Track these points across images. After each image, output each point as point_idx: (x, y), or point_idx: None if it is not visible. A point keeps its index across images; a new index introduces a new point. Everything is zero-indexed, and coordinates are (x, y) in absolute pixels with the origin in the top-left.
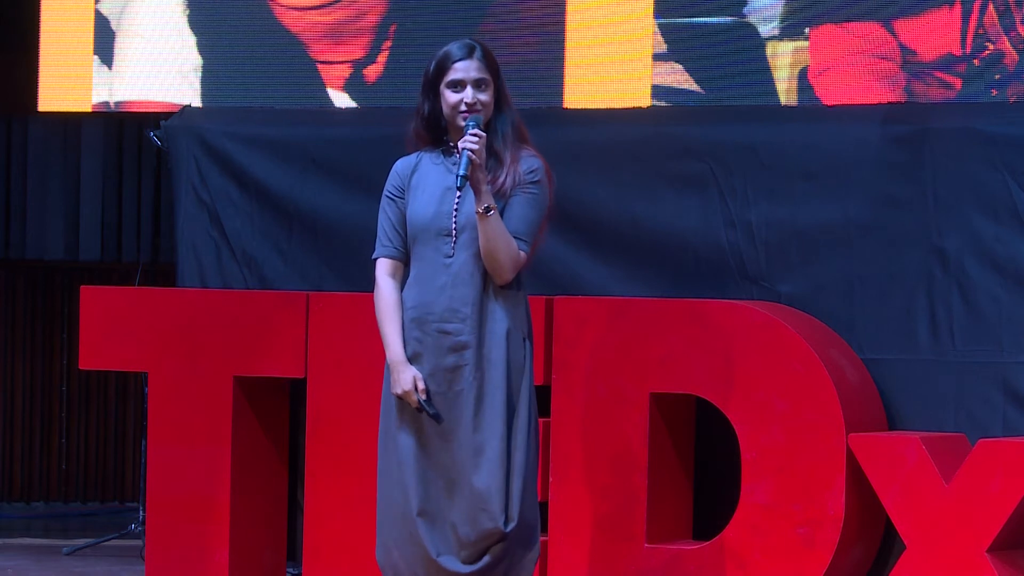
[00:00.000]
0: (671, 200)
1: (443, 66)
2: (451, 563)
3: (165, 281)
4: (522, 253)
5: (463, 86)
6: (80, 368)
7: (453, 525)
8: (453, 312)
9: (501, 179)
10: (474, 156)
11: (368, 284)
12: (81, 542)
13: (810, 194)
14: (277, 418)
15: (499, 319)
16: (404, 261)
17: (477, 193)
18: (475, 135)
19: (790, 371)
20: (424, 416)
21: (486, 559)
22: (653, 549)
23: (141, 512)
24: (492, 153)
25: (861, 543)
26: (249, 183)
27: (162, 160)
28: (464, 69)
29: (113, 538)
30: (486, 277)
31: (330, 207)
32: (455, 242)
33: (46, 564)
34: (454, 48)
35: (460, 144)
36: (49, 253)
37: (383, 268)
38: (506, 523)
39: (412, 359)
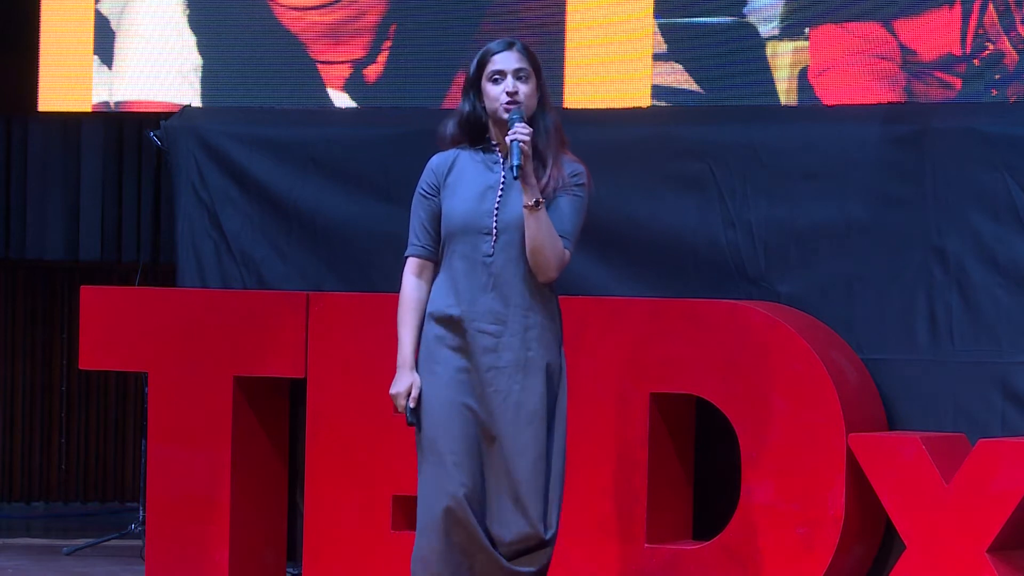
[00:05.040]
0: (671, 200)
1: (483, 61)
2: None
3: (165, 281)
4: (567, 252)
5: (503, 76)
6: (80, 368)
7: (496, 519)
8: (494, 313)
9: (544, 180)
10: (525, 147)
11: (367, 284)
12: (81, 542)
13: (810, 194)
14: (277, 418)
15: (538, 322)
16: (434, 260)
17: (526, 186)
18: (524, 127)
19: (790, 371)
20: (466, 415)
21: (530, 569)
22: (653, 549)
23: (141, 512)
24: (535, 152)
25: (861, 543)
26: (249, 183)
27: (162, 160)
28: (504, 60)
29: (113, 538)
30: (527, 279)
31: (330, 207)
32: (495, 242)
33: (46, 564)
34: (493, 44)
35: (509, 136)
36: (49, 253)
37: (410, 267)
38: (545, 530)
39: (452, 354)
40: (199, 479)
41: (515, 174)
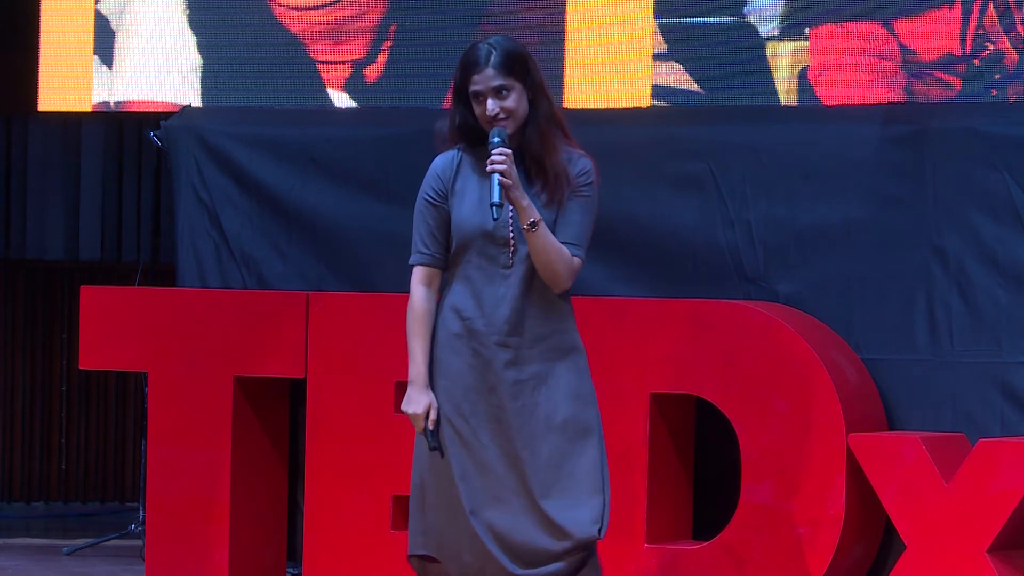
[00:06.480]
0: (671, 200)
1: (464, 78)
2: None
3: (165, 281)
4: (576, 260)
5: (484, 98)
6: (80, 368)
7: (527, 539)
8: (514, 326)
9: (553, 188)
10: (505, 179)
11: (367, 284)
12: (81, 542)
13: (809, 194)
14: (277, 418)
15: (560, 331)
16: (443, 268)
17: (520, 210)
18: (500, 154)
19: (790, 371)
20: (485, 433)
21: (558, 566)
22: (653, 549)
23: (141, 512)
24: (535, 159)
25: (861, 543)
26: (249, 183)
27: (162, 160)
28: (482, 80)
29: (113, 538)
30: (544, 289)
31: (330, 207)
32: (513, 253)
33: (46, 564)
34: (471, 58)
35: (487, 166)
36: (49, 253)
37: (418, 276)
38: (600, 530)
39: (465, 370)
40: (199, 479)
41: (494, 215)
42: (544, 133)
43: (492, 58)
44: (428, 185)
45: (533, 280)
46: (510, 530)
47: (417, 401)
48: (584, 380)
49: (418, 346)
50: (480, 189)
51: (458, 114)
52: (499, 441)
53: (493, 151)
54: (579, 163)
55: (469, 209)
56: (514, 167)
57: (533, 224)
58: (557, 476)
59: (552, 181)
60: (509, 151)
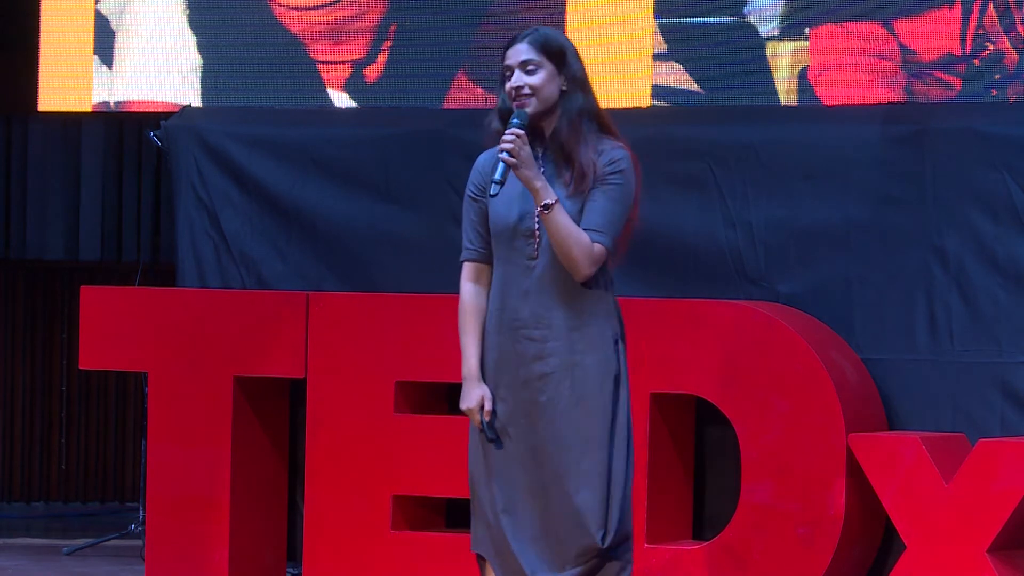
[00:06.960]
0: (671, 200)
1: (502, 59)
2: None
3: (165, 281)
4: (597, 246)
5: (512, 72)
6: (80, 368)
7: (550, 540)
8: (538, 318)
9: (579, 180)
10: (511, 159)
11: (367, 284)
12: (81, 542)
13: (810, 194)
14: (277, 418)
15: (588, 323)
16: (489, 263)
17: (533, 191)
18: (512, 134)
19: (790, 371)
20: (516, 429)
21: (575, 570)
22: (653, 549)
23: (141, 512)
24: (563, 150)
25: (861, 543)
26: (249, 183)
27: (162, 160)
28: (513, 54)
29: (113, 538)
30: (571, 279)
31: (330, 207)
32: (538, 244)
33: (46, 564)
34: (510, 39)
35: (499, 145)
36: (49, 253)
37: (466, 272)
38: (603, 538)
39: (495, 366)
40: (199, 479)
41: (492, 191)
42: (574, 124)
43: (529, 36)
44: (470, 181)
45: (559, 270)
46: (539, 528)
47: (469, 396)
48: (608, 376)
49: (468, 341)
50: (514, 182)
51: (500, 100)
52: (525, 436)
53: (507, 130)
54: (610, 154)
55: (501, 202)
56: (527, 148)
57: (547, 206)
58: (576, 473)
59: (578, 172)
60: (521, 132)
